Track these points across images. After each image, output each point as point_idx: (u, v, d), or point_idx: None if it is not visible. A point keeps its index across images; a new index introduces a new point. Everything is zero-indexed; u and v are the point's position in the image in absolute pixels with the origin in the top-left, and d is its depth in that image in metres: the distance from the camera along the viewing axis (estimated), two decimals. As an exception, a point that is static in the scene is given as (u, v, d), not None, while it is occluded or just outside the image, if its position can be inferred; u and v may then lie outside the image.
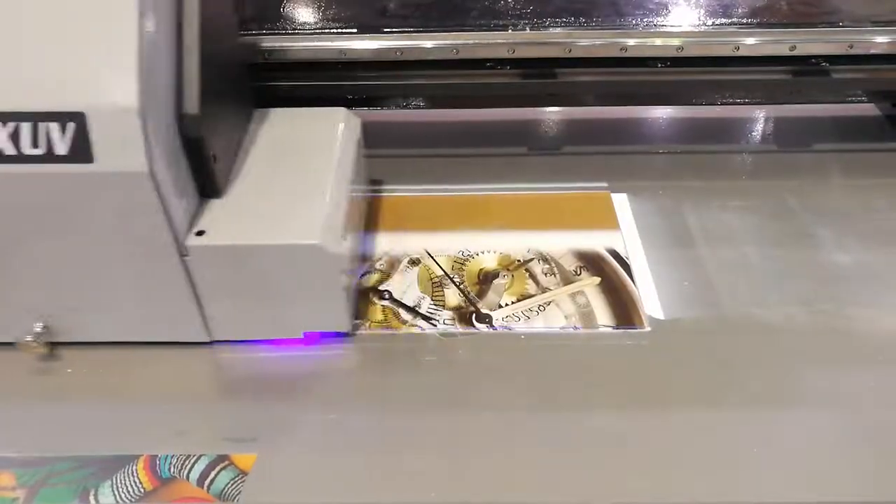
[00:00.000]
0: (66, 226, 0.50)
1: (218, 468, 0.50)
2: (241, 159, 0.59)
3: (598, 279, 0.63)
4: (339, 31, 0.72)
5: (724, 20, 0.73)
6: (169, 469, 0.50)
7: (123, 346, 0.57)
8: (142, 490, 0.49)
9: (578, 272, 0.64)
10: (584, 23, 0.71)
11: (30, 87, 0.46)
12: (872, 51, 0.70)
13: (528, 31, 0.70)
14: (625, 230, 0.68)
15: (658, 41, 0.70)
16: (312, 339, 0.58)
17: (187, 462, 0.50)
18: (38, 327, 0.55)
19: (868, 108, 0.84)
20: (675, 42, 0.70)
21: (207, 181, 0.54)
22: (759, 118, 0.85)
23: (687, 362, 0.56)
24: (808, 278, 0.63)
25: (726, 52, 0.70)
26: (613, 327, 0.59)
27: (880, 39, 0.70)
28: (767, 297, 0.62)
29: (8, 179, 0.48)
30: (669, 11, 0.73)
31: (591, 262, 0.65)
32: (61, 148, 0.47)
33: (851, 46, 0.69)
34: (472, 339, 0.59)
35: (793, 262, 0.65)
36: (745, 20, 0.73)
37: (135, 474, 0.50)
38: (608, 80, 0.72)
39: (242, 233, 0.53)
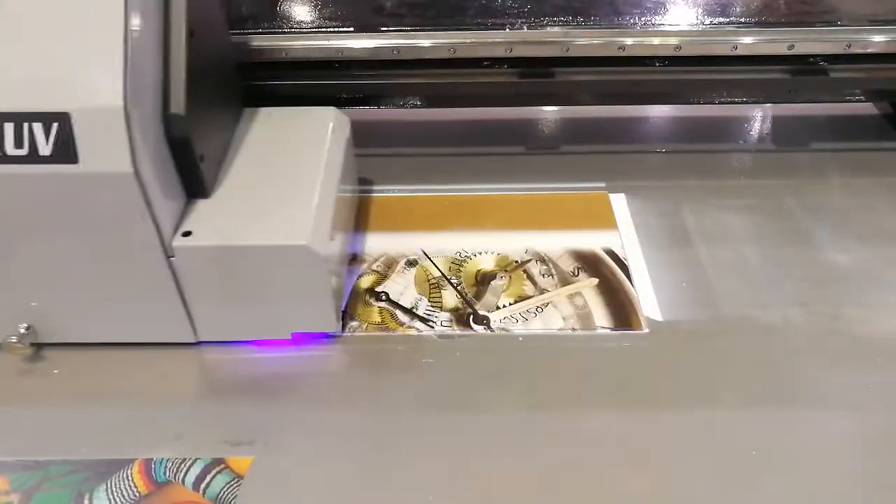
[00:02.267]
0: (52, 226, 0.50)
1: (214, 472, 0.49)
2: (229, 159, 0.58)
3: (595, 280, 0.63)
4: (336, 29, 0.71)
5: (722, 19, 0.72)
6: (164, 473, 0.50)
7: (108, 346, 0.57)
8: (137, 494, 0.49)
9: (576, 273, 0.64)
10: (581, 22, 0.71)
11: (13, 87, 0.46)
12: (870, 49, 0.70)
13: (525, 30, 0.70)
14: (623, 230, 0.68)
15: (656, 40, 0.69)
16: (300, 339, 0.57)
17: (183, 466, 0.50)
18: (22, 328, 0.55)
19: (866, 108, 0.84)
20: (673, 41, 0.69)
21: (194, 181, 0.54)
22: (757, 117, 0.85)
23: (685, 364, 0.56)
24: (806, 278, 0.63)
25: (724, 51, 0.69)
26: (611, 329, 0.59)
27: (878, 38, 0.69)
28: (766, 298, 0.61)
29: None
30: (667, 11, 0.73)
31: (589, 263, 0.65)
32: (45, 149, 0.46)
33: (849, 45, 0.69)
34: (469, 340, 0.58)
35: (791, 262, 0.65)
36: (743, 19, 0.72)
37: (130, 478, 0.49)
38: (606, 79, 0.72)
39: (229, 233, 0.52)
